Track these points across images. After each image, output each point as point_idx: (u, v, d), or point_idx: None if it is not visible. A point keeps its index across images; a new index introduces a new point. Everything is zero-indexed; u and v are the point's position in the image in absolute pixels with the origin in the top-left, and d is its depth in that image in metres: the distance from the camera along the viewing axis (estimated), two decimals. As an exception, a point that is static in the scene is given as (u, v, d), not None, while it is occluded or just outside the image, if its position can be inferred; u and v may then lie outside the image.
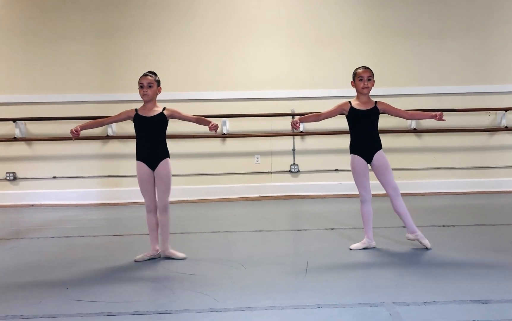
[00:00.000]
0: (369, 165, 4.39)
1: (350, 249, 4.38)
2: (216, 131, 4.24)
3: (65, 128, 7.24)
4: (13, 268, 4.10)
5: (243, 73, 7.78)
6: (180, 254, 4.27)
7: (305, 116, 4.60)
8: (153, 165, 4.21)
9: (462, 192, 7.76)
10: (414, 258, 4.08)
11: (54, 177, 7.78)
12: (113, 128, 7.63)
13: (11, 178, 7.73)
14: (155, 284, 3.60)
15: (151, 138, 4.24)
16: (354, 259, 4.11)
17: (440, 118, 4.28)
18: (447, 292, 3.17)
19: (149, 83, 4.21)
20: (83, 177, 7.79)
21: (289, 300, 3.10)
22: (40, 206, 7.66)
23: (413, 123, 7.71)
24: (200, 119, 4.34)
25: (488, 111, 7.82)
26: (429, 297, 3.08)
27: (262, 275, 3.69)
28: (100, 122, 4.50)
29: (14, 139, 7.63)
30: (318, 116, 4.50)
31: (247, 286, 3.42)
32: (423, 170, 7.88)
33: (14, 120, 7.58)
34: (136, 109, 4.29)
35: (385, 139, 7.19)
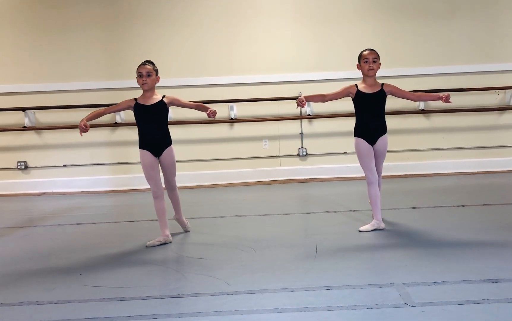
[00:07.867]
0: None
1: (359, 231, 4.40)
2: (214, 117, 4.30)
3: (73, 116, 7.29)
4: (27, 255, 4.16)
5: (250, 57, 7.75)
6: (188, 226, 4.71)
7: (311, 96, 4.57)
8: (157, 153, 4.29)
9: (471, 172, 7.72)
10: (423, 238, 4.09)
11: (64, 165, 7.84)
12: (121, 116, 7.65)
13: (23, 166, 7.80)
14: (167, 269, 3.65)
15: (154, 127, 4.28)
16: (363, 240, 4.13)
17: (447, 100, 4.25)
18: (456, 271, 3.19)
19: (148, 72, 4.23)
20: (93, 165, 7.84)
21: (299, 282, 3.13)
22: (52, 194, 7.73)
23: (421, 104, 7.66)
24: (200, 106, 4.38)
25: (497, 91, 7.75)
26: (438, 277, 3.09)
27: (272, 258, 3.73)
28: (101, 112, 4.40)
29: (24, 128, 7.68)
30: (323, 97, 4.46)
31: (258, 269, 3.46)
32: (432, 150, 7.84)
33: (23, 109, 7.62)
34: (135, 99, 4.31)
35: (393, 121, 7.29)
